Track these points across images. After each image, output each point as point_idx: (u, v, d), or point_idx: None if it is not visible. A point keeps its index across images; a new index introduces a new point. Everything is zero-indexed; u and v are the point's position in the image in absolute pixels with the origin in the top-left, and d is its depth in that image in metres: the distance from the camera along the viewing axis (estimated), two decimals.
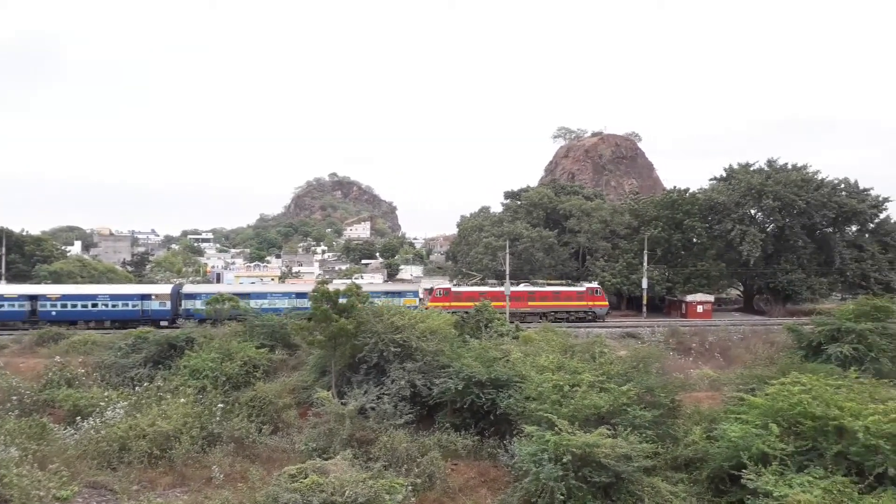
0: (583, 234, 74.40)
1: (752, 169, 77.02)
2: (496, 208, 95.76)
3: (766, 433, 18.43)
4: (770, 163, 77.63)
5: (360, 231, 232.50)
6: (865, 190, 75.03)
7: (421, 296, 64.99)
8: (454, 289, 62.77)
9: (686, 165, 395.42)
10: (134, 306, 54.05)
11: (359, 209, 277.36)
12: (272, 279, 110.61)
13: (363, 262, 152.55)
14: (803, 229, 71.92)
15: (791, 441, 18.27)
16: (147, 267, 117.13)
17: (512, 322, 46.08)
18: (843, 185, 74.93)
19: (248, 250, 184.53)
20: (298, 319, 34.91)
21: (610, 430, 20.28)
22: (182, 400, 27.57)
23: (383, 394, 27.68)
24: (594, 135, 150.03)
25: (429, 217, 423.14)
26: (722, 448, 19.59)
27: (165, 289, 56.61)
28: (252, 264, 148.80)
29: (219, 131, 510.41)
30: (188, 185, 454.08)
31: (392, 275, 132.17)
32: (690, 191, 78.29)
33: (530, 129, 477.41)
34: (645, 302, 65.94)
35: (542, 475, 18.78)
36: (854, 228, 76.23)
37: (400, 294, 59.16)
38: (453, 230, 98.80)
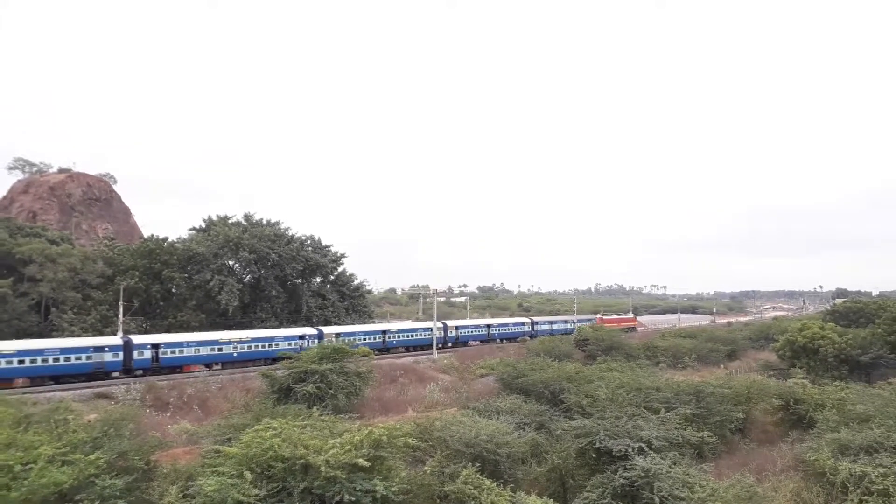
0: (46, 282, 65.29)
1: (230, 221, 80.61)
2: None
3: (241, 482, 18.85)
4: (247, 217, 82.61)
5: None
6: (327, 246, 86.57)
7: None
8: (603, 317, 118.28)
9: (166, 210, 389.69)
10: (295, 344, 61.15)
11: None
12: None
13: None
14: (277, 280, 78.26)
15: (264, 485, 19.10)
16: None
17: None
18: (309, 242, 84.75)
19: None
20: None
21: None
22: None
23: None
24: (61, 171, 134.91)
25: None
26: None
27: (312, 330, 67.19)
28: None
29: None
30: None
31: None
32: (169, 240, 77.27)
33: None
34: None
35: None
36: (318, 279, 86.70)
37: None
38: None
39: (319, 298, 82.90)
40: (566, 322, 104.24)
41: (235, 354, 58.51)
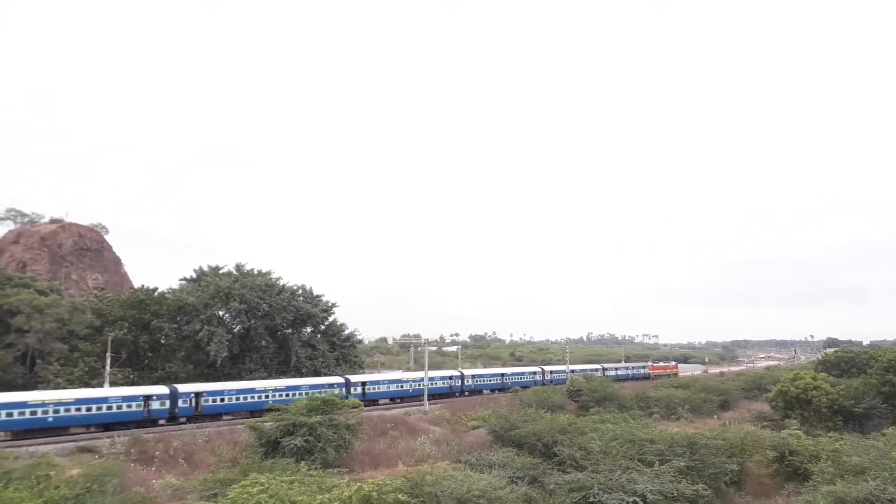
0: (33, 333, 64.47)
1: (221, 272, 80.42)
2: None
3: None
4: (238, 267, 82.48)
5: None
6: (318, 296, 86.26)
7: None
8: (654, 364, 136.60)
9: (157, 262, 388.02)
10: (446, 383, 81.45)
11: None
12: None
13: None
14: (266, 330, 77.69)
15: None
16: None
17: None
18: (300, 291, 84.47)
19: None
20: None
21: None
22: None
23: None
24: (53, 221, 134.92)
25: None
26: None
27: (457, 372, 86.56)
28: None
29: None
30: None
31: None
32: (159, 290, 76.91)
33: None
34: None
35: None
36: (309, 329, 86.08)
37: None
38: None
39: (309, 348, 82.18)
40: (627, 369, 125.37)
41: (411, 391, 74.61)
